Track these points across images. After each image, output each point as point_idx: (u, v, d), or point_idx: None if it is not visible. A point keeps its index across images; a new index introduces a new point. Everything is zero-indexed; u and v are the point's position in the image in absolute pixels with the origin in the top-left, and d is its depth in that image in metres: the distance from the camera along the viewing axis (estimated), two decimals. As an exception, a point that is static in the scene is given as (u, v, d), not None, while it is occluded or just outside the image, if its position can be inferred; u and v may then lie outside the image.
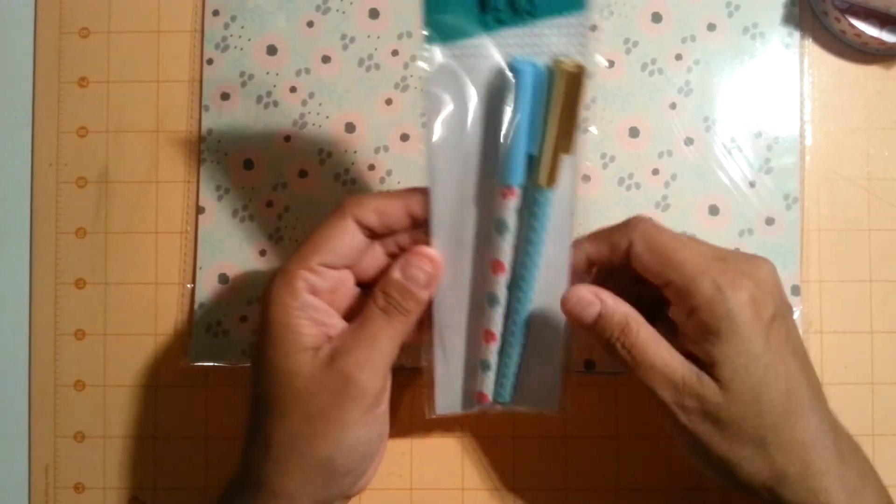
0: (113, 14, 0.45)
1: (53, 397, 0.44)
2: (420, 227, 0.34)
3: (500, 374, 0.37)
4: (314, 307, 0.33)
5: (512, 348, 0.36)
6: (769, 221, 0.43)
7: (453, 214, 0.34)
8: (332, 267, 0.33)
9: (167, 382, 0.44)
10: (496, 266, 0.34)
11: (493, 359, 0.36)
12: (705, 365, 0.32)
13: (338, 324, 0.34)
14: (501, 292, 0.35)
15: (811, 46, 0.44)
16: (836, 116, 0.44)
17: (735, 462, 0.32)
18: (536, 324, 0.35)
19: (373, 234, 0.34)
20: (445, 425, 0.43)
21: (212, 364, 0.43)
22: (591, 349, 0.42)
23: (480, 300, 0.35)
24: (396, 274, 0.33)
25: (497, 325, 0.35)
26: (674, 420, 0.32)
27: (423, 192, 0.33)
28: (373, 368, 0.32)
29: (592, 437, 0.43)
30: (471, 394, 0.37)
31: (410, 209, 0.33)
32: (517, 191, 0.33)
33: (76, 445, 0.44)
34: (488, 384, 0.37)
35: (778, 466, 0.32)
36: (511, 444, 0.43)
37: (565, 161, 0.32)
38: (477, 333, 0.36)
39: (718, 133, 0.43)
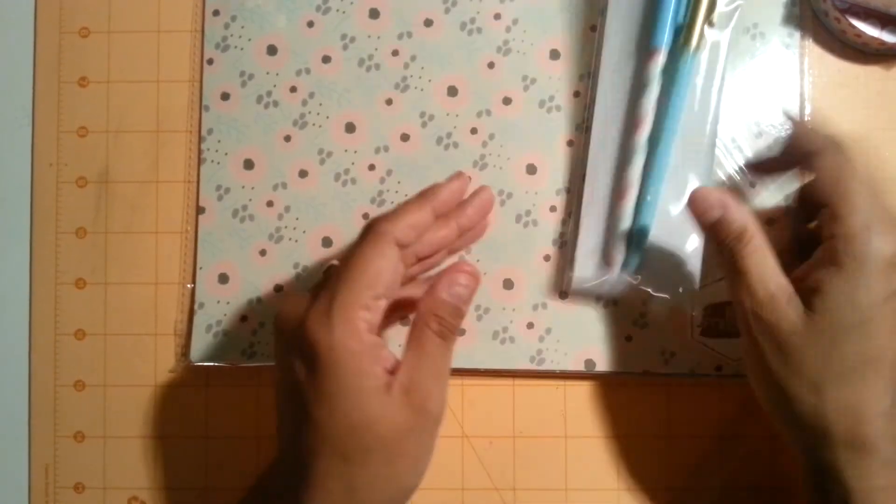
0: (113, 14, 0.45)
1: (53, 397, 0.44)
2: (440, 219, 0.35)
3: (630, 242, 0.40)
4: (377, 345, 0.32)
5: (646, 211, 0.39)
6: (770, 222, 0.43)
7: (612, 84, 0.40)
8: (385, 297, 0.32)
9: (167, 382, 0.44)
10: (636, 122, 0.38)
11: (626, 221, 0.40)
12: (809, 290, 0.32)
13: (387, 354, 0.33)
14: (640, 148, 0.39)
15: (811, 47, 0.44)
16: (836, 116, 0.44)
17: (787, 396, 0.33)
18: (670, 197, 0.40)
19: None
20: (446, 427, 0.43)
21: (212, 364, 0.43)
22: (591, 349, 0.43)
23: (622, 166, 0.40)
24: (444, 295, 0.33)
25: (633, 184, 0.38)
26: (746, 331, 0.34)
27: (437, 187, 0.35)
28: (441, 394, 0.33)
29: (593, 437, 0.43)
30: (604, 262, 0.41)
31: (436, 209, 0.34)
32: (662, 51, 0.39)
33: (76, 445, 0.44)
34: (619, 249, 0.40)
35: (825, 420, 0.32)
36: (511, 444, 0.43)
37: (710, 35, 0.39)
38: (615, 201, 0.40)
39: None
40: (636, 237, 0.41)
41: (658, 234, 0.41)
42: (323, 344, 0.30)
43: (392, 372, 0.32)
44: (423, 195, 0.34)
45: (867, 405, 0.31)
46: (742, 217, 0.34)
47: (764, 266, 0.33)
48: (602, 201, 0.42)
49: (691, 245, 0.41)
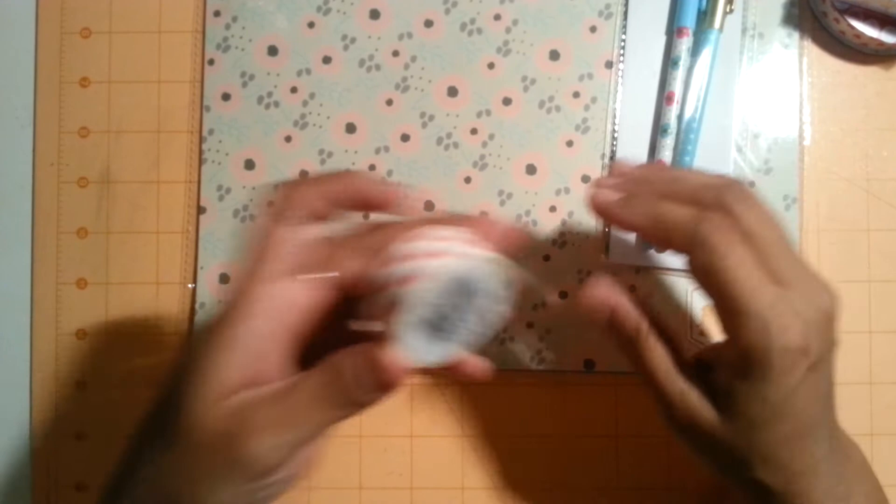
0: (114, 14, 0.45)
1: (55, 396, 0.44)
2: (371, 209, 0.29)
3: None
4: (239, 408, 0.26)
5: None
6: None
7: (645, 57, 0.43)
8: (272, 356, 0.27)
9: (168, 382, 0.44)
10: (669, 97, 0.41)
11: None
12: (720, 389, 0.31)
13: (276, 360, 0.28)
14: (672, 121, 0.42)
15: (810, 47, 0.44)
16: (835, 117, 0.44)
17: (720, 471, 0.33)
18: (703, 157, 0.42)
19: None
20: (446, 426, 0.44)
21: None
22: (591, 349, 0.43)
23: (656, 139, 0.43)
24: (348, 370, 0.27)
25: (667, 155, 0.40)
26: (661, 417, 0.33)
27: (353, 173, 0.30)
28: (276, 446, 0.26)
29: (592, 436, 0.43)
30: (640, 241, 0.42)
31: (329, 191, 0.29)
32: (690, 31, 0.42)
33: (77, 445, 0.44)
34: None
35: (762, 485, 0.32)
36: (511, 444, 0.44)
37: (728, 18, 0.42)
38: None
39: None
40: None
41: None
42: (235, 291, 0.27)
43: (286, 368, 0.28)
44: (331, 176, 0.29)
45: (803, 466, 0.31)
46: (633, 315, 0.32)
47: (666, 364, 0.32)
48: None
49: None
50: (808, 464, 0.31)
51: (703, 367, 0.32)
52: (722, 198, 0.30)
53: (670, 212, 0.31)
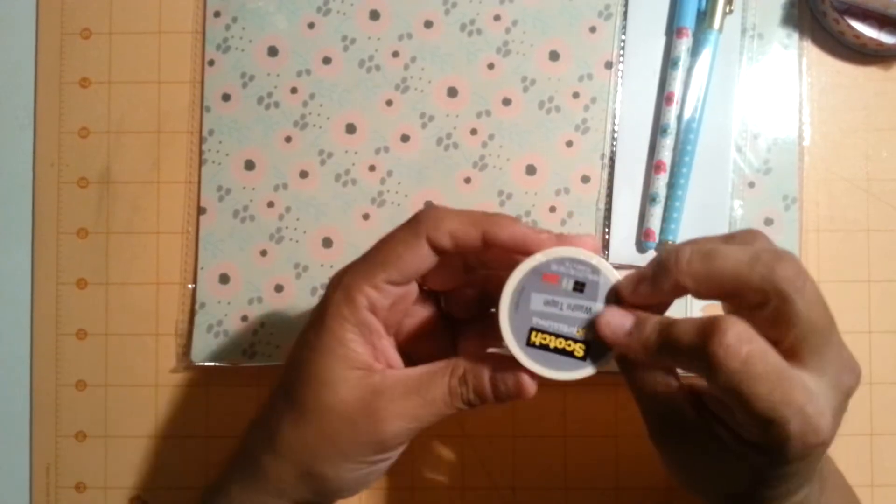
0: (114, 15, 0.45)
1: (55, 397, 0.44)
2: (491, 249, 0.31)
3: (667, 211, 0.42)
4: (369, 326, 0.31)
5: (680, 181, 0.41)
6: (768, 222, 0.43)
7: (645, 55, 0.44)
8: (397, 284, 0.31)
9: (168, 382, 0.44)
10: (669, 97, 0.41)
11: (661, 192, 0.42)
12: (723, 438, 0.29)
13: (386, 347, 0.32)
14: (672, 122, 0.42)
15: (810, 47, 0.44)
16: (835, 117, 0.44)
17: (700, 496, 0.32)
18: (703, 159, 0.43)
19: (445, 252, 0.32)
20: (446, 426, 0.44)
21: (213, 364, 0.43)
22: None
23: (656, 139, 0.43)
24: (487, 388, 0.31)
25: (667, 156, 0.41)
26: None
27: (507, 220, 0.30)
28: (407, 429, 0.31)
29: (592, 436, 0.43)
30: (640, 236, 0.43)
31: (488, 235, 0.30)
32: (689, 32, 0.42)
33: (77, 445, 0.44)
34: (656, 219, 0.41)
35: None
36: (511, 444, 0.44)
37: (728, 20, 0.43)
38: (651, 174, 0.42)
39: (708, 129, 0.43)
40: (674, 208, 0.42)
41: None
42: (323, 304, 0.31)
43: (379, 362, 0.32)
44: (487, 216, 0.30)
45: (796, 486, 0.30)
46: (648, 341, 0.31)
47: (662, 394, 0.31)
48: (636, 175, 0.43)
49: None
50: (797, 498, 0.31)
51: (700, 403, 0.31)
52: (774, 281, 0.27)
53: (680, 334, 0.28)
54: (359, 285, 0.30)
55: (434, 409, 0.31)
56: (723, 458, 0.29)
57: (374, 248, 0.31)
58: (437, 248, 0.30)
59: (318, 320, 0.31)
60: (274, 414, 0.32)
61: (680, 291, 0.29)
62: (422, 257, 0.30)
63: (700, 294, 0.29)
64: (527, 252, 0.30)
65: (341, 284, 0.31)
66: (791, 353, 0.28)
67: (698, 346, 0.27)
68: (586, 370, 0.30)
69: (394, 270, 0.30)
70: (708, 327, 0.27)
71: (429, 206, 0.41)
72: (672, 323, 0.28)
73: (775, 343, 0.27)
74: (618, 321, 0.30)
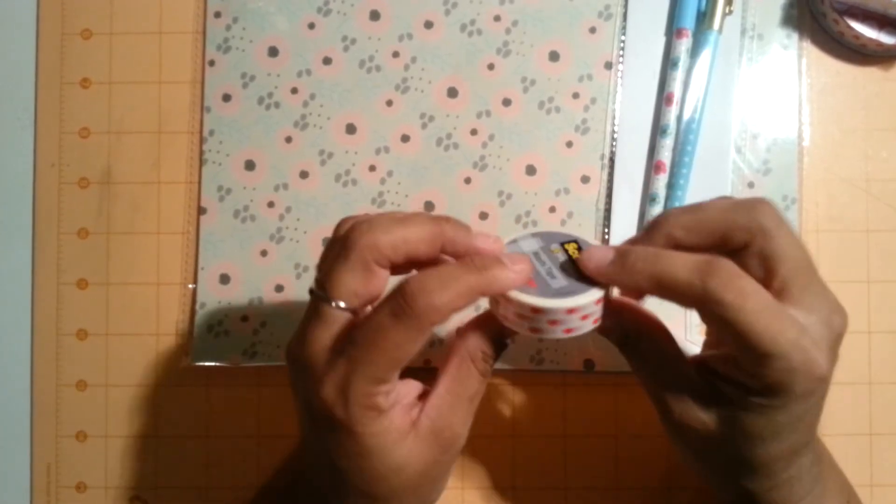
0: (115, 15, 0.45)
1: (55, 397, 0.44)
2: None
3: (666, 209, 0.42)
4: (395, 406, 0.31)
5: (680, 181, 0.41)
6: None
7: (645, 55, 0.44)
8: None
9: (168, 382, 0.44)
10: (669, 98, 0.42)
11: (661, 192, 0.42)
12: (725, 399, 0.30)
13: (407, 392, 0.32)
14: (672, 122, 0.42)
15: (809, 48, 0.44)
16: (835, 118, 0.44)
17: (705, 474, 0.33)
18: (703, 158, 0.42)
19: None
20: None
21: (213, 364, 0.43)
22: (591, 349, 0.43)
23: (655, 139, 0.43)
24: (502, 338, 0.33)
25: (667, 156, 0.41)
26: (658, 415, 0.33)
27: (501, 267, 0.30)
28: (468, 426, 0.33)
29: (592, 436, 0.43)
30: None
31: (486, 294, 0.30)
32: (689, 32, 0.42)
33: (78, 445, 0.44)
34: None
35: (749, 489, 0.32)
36: (511, 444, 0.44)
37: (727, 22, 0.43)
38: (651, 175, 0.42)
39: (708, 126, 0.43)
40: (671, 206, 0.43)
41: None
42: (339, 418, 0.29)
43: (421, 396, 0.32)
44: (483, 276, 0.29)
45: (790, 476, 0.31)
46: (637, 315, 0.33)
47: (666, 368, 0.32)
48: (636, 175, 0.43)
49: None
50: (795, 473, 0.31)
51: (705, 370, 0.32)
52: (756, 218, 0.30)
53: (671, 269, 0.29)
54: (373, 392, 0.29)
55: (476, 397, 0.32)
56: (732, 423, 0.30)
57: (371, 344, 0.29)
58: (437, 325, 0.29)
59: (347, 435, 0.30)
60: None
61: (671, 245, 0.31)
62: (424, 340, 0.29)
63: (690, 244, 0.30)
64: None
65: (353, 401, 0.29)
66: (780, 293, 0.30)
67: (694, 280, 0.28)
68: (591, 293, 0.30)
69: (402, 363, 0.30)
70: (703, 263, 0.28)
71: (429, 207, 0.41)
72: (659, 254, 0.30)
73: (764, 286, 0.29)
74: (601, 253, 0.31)
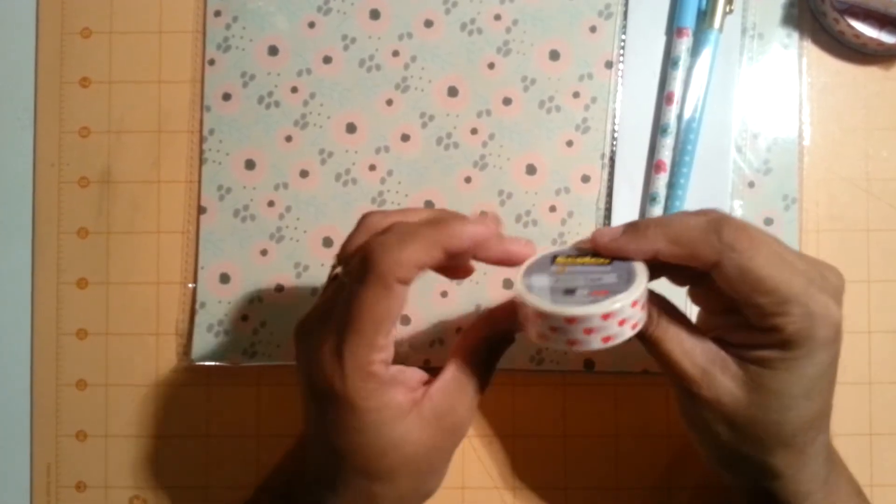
0: (115, 14, 0.45)
1: (55, 396, 0.44)
2: (456, 257, 0.31)
3: (667, 211, 0.42)
4: (394, 378, 0.31)
5: (680, 180, 0.41)
6: (768, 222, 0.43)
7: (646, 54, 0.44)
8: (392, 331, 0.31)
9: (168, 382, 0.44)
10: (669, 97, 0.41)
11: (661, 192, 0.42)
12: (754, 363, 0.31)
13: (409, 375, 0.33)
14: (672, 121, 0.42)
15: (810, 47, 0.44)
16: (835, 117, 0.44)
17: (734, 457, 0.32)
18: (703, 158, 0.42)
19: None
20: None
21: (213, 363, 0.43)
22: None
23: (656, 139, 0.43)
24: (503, 324, 0.33)
25: (667, 156, 0.40)
26: (685, 406, 0.33)
27: (459, 228, 0.30)
28: (473, 413, 0.33)
29: (592, 436, 0.43)
30: None
31: (449, 251, 0.30)
32: (689, 31, 0.42)
33: (78, 444, 0.44)
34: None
35: (773, 470, 0.32)
36: (511, 444, 0.44)
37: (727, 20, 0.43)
38: (651, 175, 0.42)
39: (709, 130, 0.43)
40: (674, 208, 0.42)
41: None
42: (338, 389, 0.30)
43: (425, 383, 0.33)
44: (439, 228, 0.30)
45: (815, 451, 0.32)
46: (649, 300, 0.33)
47: (683, 343, 0.32)
48: (636, 175, 0.43)
49: None
50: (817, 451, 0.32)
51: (722, 344, 0.32)
52: (720, 230, 0.30)
53: (685, 227, 0.30)
54: (367, 358, 0.30)
55: (482, 388, 0.33)
56: (762, 387, 0.30)
57: (354, 311, 0.29)
58: (407, 283, 0.30)
59: (345, 407, 0.30)
60: (355, 487, 0.32)
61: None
62: (400, 302, 0.30)
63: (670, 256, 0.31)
64: (485, 250, 0.31)
65: (349, 367, 0.29)
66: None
67: (710, 232, 0.30)
68: (625, 294, 0.29)
69: (389, 325, 0.30)
70: (713, 219, 0.30)
71: (429, 206, 0.41)
72: (669, 218, 0.32)
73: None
74: (612, 229, 0.32)
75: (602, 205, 0.43)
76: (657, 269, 0.32)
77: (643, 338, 0.33)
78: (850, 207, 0.44)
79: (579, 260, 0.32)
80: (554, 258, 0.33)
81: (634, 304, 0.30)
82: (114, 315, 0.44)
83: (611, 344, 0.30)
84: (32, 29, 0.45)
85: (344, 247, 0.33)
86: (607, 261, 0.32)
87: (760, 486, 0.33)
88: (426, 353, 0.43)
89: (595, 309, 0.29)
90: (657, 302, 0.33)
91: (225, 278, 0.44)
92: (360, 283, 0.29)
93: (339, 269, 0.33)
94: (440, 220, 0.30)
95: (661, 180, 0.42)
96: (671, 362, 0.32)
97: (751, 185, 0.43)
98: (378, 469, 0.31)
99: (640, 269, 0.31)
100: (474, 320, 0.34)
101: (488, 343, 0.34)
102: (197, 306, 0.44)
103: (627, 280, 0.30)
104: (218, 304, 0.44)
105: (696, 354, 0.32)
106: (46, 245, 0.45)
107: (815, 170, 0.44)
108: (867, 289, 0.43)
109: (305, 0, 0.45)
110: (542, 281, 0.31)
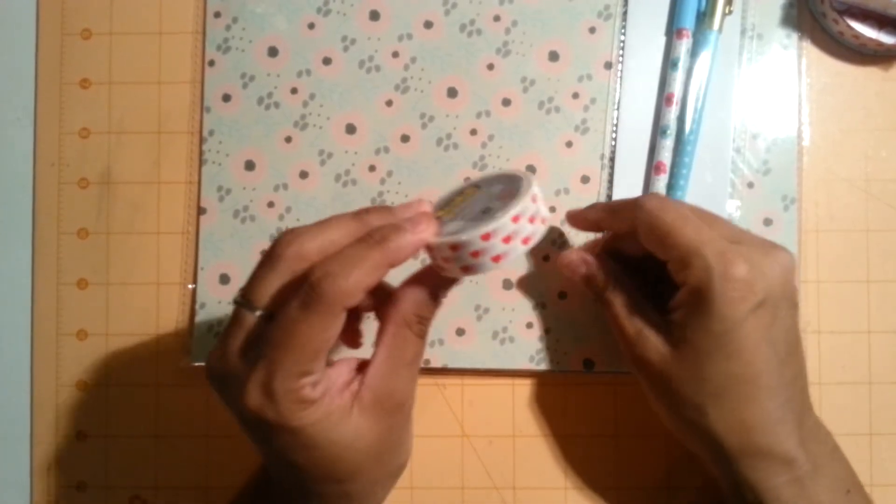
0: (115, 15, 0.45)
1: (55, 397, 0.44)
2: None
3: None
4: (327, 390, 0.31)
5: (680, 181, 0.41)
6: (767, 222, 0.43)
7: (645, 55, 0.44)
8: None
9: (168, 382, 0.44)
10: (669, 98, 0.42)
11: (661, 193, 0.42)
12: (674, 326, 0.34)
13: (340, 371, 0.32)
14: (672, 122, 0.42)
15: (809, 48, 0.44)
16: (834, 118, 0.44)
17: (678, 419, 0.35)
18: (703, 161, 0.43)
19: None
20: (446, 426, 0.44)
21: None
22: (591, 349, 0.43)
23: (656, 140, 0.43)
24: (424, 294, 0.32)
25: (667, 157, 0.41)
26: (629, 366, 0.37)
27: (397, 238, 0.30)
28: (414, 387, 0.33)
29: (592, 436, 0.43)
30: None
31: (393, 265, 0.30)
32: (689, 32, 0.43)
33: (78, 444, 0.44)
34: None
35: (717, 436, 0.33)
36: (511, 444, 0.44)
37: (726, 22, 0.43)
38: (651, 176, 0.43)
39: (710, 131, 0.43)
40: None
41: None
42: (272, 420, 0.29)
43: (359, 366, 0.32)
44: (384, 249, 0.30)
45: (754, 419, 0.33)
46: (604, 268, 0.38)
47: (630, 307, 0.36)
48: (636, 175, 0.44)
49: None
50: (762, 419, 0.33)
51: (664, 320, 0.35)
52: (641, 199, 0.36)
53: (619, 203, 0.38)
54: (297, 384, 0.29)
55: (416, 359, 0.33)
56: (681, 343, 0.34)
57: (289, 338, 0.29)
58: (351, 307, 0.30)
59: (284, 433, 0.30)
60: (328, 496, 0.32)
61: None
62: (339, 325, 0.30)
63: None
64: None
65: (280, 396, 0.29)
66: None
67: (632, 202, 0.36)
68: (504, 212, 0.30)
69: (324, 352, 0.30)
70: (642, 195, 0.37)
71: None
72: (609, 202, 0.40)
73: None
74: (576, 209, 0.41)
75: None
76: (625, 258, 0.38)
77: (598, 299, 0.38)
78: (849, 208, 0.44)
79: (457, 199, 0.34)
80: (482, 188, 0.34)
81: (516, 219, 0.30)
82: (114, 316, 0.45)
83: (504, 263, 0.30)
84: (33, 30, 0.46)
85: (254, 283, 0.31)
86: (477, 188, 0.34)
87: (728, 472, 0.34)
88: (426, 353, 0.43)
89: (473, 232, 0.29)
90: (611, 270, 0.38)
91: (225, 279, 0.44)
92: (304, 311, 0.29)
93: (250, 306, 0.31)
94: (381, 238, 0.30)
95: (661, 181, 0.42)
96: (616, 324, 0.36)
97: (750, 185, 0.43)
98: (340, 471, 0.31)
99: (525, 186, 0.31)
100: (397, 290, 0.33)
101: (416, 311, 0.32)
102: (197, 307, 0.44)
103: (511, 199, 0.31)
104: (218, 305, 0.44)
105: (635, 317, 0.36)
106: (46, 245, 0.45)
107: (814, 170, 0.44)
108: (867, 289, 0.43)
109: (305, 1, 0.45)
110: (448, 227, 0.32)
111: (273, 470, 0.33)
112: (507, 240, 0.30)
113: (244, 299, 0.31)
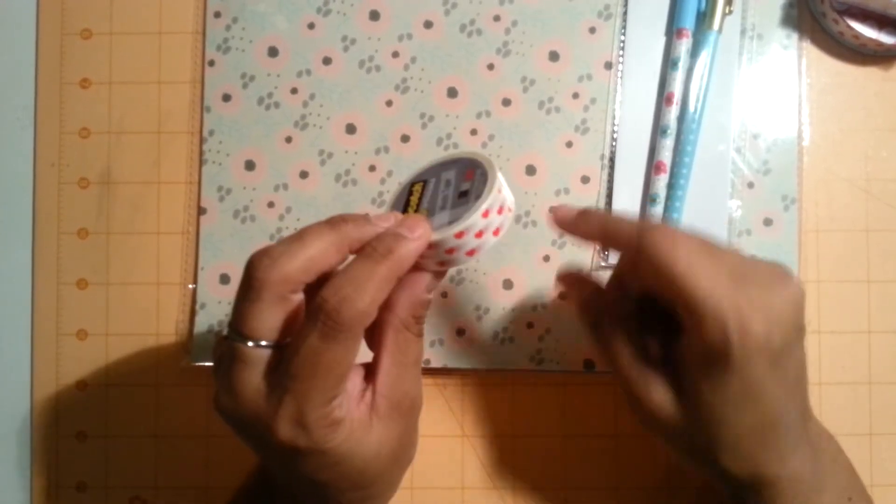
0: (115, 15, 0.45)
1: (55, 397, 0.44)
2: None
3: (667, 212, 0.42)
4: (351, 409, 0.31)
5: (680, 181, 0.41)
6: (767, 222, 0.43)
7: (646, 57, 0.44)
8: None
9: (168, 382, 0.44)
10: (669, 98, 0.42)
11: (661, 193, 0.42)
12: (683, 380, 0.31)
13: (356, 383, 0.32)
14: (672, 122, 0.42)
15: (809, 48, 0.44)
16: (834, 118, 0.44)
17: (688, 462, 0.34)
18: (703, 161, 0.43)
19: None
20: (446, 426, 0.44)
21: (213, 364, 0.43)
22: (590, 349, 0.43)
23: (656, 140, 0.43)
24: (421, 293, 0.32)
25: (667, 156, 0.41)
26: (629, 407, 0.34)
27: (403, 242, 0.30)
28: (421, 385, 0.33)
29: (592, 436, 0.43)
30: None
31: (400, 274, 0.30)
32: (689, 32, 0.42)
33: (78, 445, 0.44)
34: (656, 220, 0.42)
35: (728, 475, 0.32)
36: (511, 444, 0.44)
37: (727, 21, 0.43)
38: (651, 175, 0.43)
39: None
40: (674, 209, 0.42)
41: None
42: (304, 447, 0.29)
43: (365, 374, 0.32)
44: (391, 262, 0.29)
45: (770, 459, 0.31)
46: (605, 299, 0.35)
47: (633, 353, 0.33)
48: (636, 175, 0.43)
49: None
50: (775, 455, 0.32)
51: (669, 360, 0.33)
52: (643, 226, 0.32)
53: (617, 225, 0.33)
54: (328, 410, 0.29)
55: (419, 358, 0.33)
56: (693, 404, 0.31)
57: (312, 367, 0.28)
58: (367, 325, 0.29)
59: (316, 456, 0.30)
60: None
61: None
62: (360, 345, 0.30)
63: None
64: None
65: (313, 425, 0.29)
66: None
67: (633, 230, 0.32)
68: (474, 209, 0.30)
69: (347, 376, 0.30)
70: (643, 222, 0.34)
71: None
72: (609, 215, 0.36)
73: None
74: (566, 209, 0.34)
75: (602, 205, 0.43)
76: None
77: (593, 336, 0.35)
78: (849, 208, 0.44)
79: (412, 200, 0.33)
80: (435, 175, 0.34)
81: (486, 214, 0.30)
82: (114, 316, 0.45)
83: (478, 255, 0.31)
84: (33, 30, 0.46)
85: (244, 315, 0.30)
86: (424, 183, 0.34)
87: (740, 496, 0.33)
88: (426, 353, 0.43)
89: (446, 231, 0.30)
90: (613, 308, 0.34)
91: (225, 279, 0.44)
92: (325, 340, 0.28)
93: (248, 339, 0.30)
94: (386, 251, 0.29)
95: (661, 181, 0.42)
96: (619, 372, 0.33)
97: (750, 185, 0.43)
98: (366, 479, 0.32)
99: (490, 177, 0.31)
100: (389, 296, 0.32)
101: (410, 313, 0.32)
102: (197, 307, 0.44)
103: (479, 180, 0.31)
104: (218, 305, 0.44)
105: (640, 366, 0.33)
106: (46, 245, 0.45)
107: (814, 170, 0.44)
108: (867, 289, 0.43)
109: (305, 1, 0.45)
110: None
111: (297, 487, 0.33)
112: (479, 235, 0.31)
113: (238, 334, 0.30)
